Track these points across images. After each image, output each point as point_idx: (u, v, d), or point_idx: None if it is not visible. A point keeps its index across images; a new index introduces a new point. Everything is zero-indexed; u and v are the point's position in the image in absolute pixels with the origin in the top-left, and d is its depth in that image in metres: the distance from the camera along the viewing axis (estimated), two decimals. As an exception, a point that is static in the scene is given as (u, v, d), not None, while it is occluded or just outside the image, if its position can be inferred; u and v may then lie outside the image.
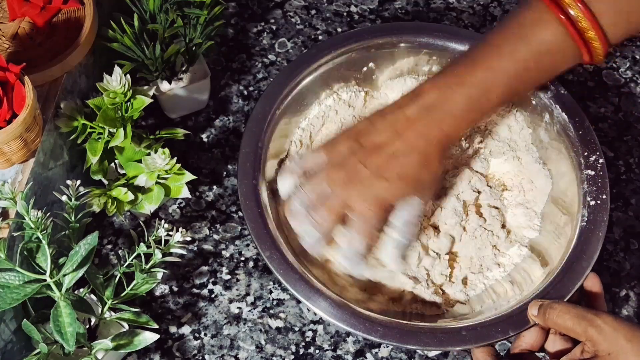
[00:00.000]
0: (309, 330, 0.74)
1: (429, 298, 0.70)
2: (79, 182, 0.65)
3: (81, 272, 0.61)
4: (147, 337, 0.66)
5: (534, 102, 0.76)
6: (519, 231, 0.74)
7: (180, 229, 0.66)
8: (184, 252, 0.67)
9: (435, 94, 0.65)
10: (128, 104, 0.70)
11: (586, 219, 0.68)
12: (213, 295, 0.76)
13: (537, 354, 0.63)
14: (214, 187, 0.82)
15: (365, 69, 0.80)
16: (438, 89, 0.65)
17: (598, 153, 0.71)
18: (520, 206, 0.75)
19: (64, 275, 0.61)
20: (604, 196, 0.69)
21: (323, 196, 0.64)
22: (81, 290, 0.68)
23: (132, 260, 0.66)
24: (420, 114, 0.65)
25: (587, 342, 0.56)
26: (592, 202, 0.68)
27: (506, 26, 0.66)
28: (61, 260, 0.62)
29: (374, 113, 0.68)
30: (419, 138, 0.64)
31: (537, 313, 0.61)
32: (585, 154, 0.71)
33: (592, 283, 0.64)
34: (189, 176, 0.73)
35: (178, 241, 0.65)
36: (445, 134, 0.65)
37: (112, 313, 0.68)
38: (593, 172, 0.70)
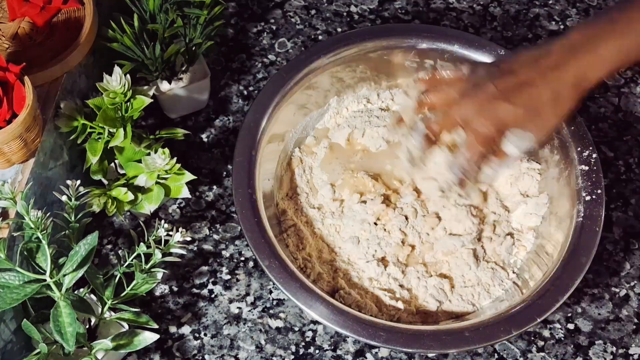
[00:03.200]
0: (309, 330, 0.74)
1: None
2: (79, 182, 0.65)
3: (81, 272, 0.61)
4: (147, 337, 0.66)
5: None
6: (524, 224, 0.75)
7: (180, 229, 0.66)
8: (183, 252, 0.67)
9: (582, 34, 0.64)
10: (128, 104, 0.70)
11: (582, 214, 0.68)
12: (213, 295, 0.76)
13: None
14: (214, 187, 0.82)
15: (359, 70, 0.80)
16: (587, 31, 0.64)
17: (591, 148, 0.71)
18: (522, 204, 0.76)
19: (64, 275, 0.61)
20: (599, 191, 0.69)
21: (447, 102, 0.66)
22: (81, 290, 0.68)
23: (132, 260, 0.66)
24: (563, 51, 0.64)
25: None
26: (587, 198, 0.69)
27: None
28: (61, 260, 0.62)
29: (520, 50, 0.68)
30: (556, 75, 0.64)
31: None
32: (579, 149, 0.71)
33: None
34: (188, 176, 0.73)
35: (178, 241, 0.65)
36: (585, 77, 0.64)
37: (112, 313, 0.68)
38: (587, 168, 0.70)
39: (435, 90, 0.68)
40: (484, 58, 0.78)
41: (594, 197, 0.68)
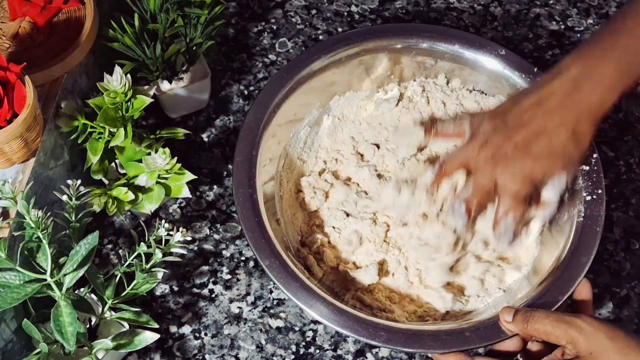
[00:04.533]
0: (309, 330, 0.74)
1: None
2: (79, 181, 0.65)
3: (81, 272, 0.61)
4: (148, 337, 0.66)
5: None
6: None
7: (181, 229, 0.66)
8: (184, 251, 0.67)
9: (581, 66, 0.64)
10: (128, 103, 0.70)
11: (583, 214, 0.68)
12: (213, 295, 0.76)
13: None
14: (215, 186, 0.82)
15: (359, 71, 0.80)
16: (583, 61, 0.64)
17: (592, 148, 0.71)
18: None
19: (65, 275, 0.61)
20: (600, 190, 0.69)
21: (467, 167, 0.65)
22: (81, 289, 0.68)
23: (132, 260, 0.66)
24: (567, 88, 0.63)
25: (568, 344, 0.56)
26: (588, 197, 0.69)
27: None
28: (61, 260, 0.62)
29: (518, 92, 0.68)
30: (567, 113, 0.63)
31: (511, 319, 0.60)
32: None
33: (583, 291, 0.64)
34: (189, 176, 0.73)
35: (178, 241, 0.65)
36: (596, 106, 0.63)
37: (113, 313, 0.68)
38: (587, 167, 0.70)
39: (452, 159, 0.67)
40: (485, 58, 0.78)
41: (594, 197, 0.68)
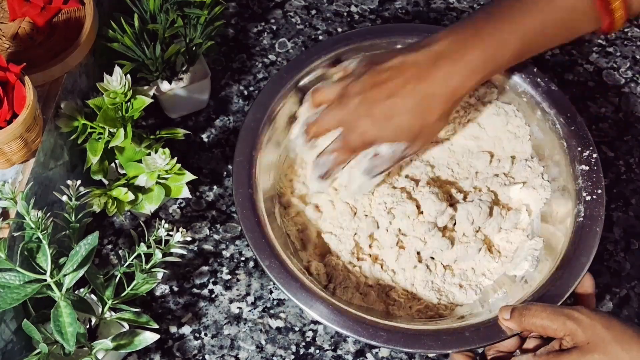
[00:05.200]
0: (309, 330, 0.74)
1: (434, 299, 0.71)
2: (79, 182, 0.65)
3: (81, 272, 0.61)
4: (148, 337, 0.66)
5: (525, 100, 0.76)
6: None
7: (181, 229, 0.66)
8: (184, 252, 0.67)
9: (448, 43, 0.64)
10: (128, 104, 0.70)
11: (582, 215, 0.68)
12: (213, 295, 0.76)
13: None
14: (214, 187, 0.82)
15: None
16: (453, 38, 0.65)
17: (592, 148, 0.71)
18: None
19: (64, 275, 0.61)
20: (600, 191, 0.69)
21: (327, 102, 0.69)
22: (81, 290, 0.68)
23: (132, 260, 0.66)
24: (428, 62, 0.64)
25: (566, 336, 0.57)
26: (588, 198, 0.69)
27: None
28: (61, 260, 0.62)
29: (396, 49, 0.70)
30: (420, 86, 0.64)
31: (509, 317, 0.61)
32: (579, 149, 0.71)
33: (586, 284, 0.64)
34: (189, 176, 0.73)
35: (178, 241, 0.65)
36: (452, 89, 0.64)
37: (113, 313, 0.68)
38: (587, 167, 0.70)
39: (321, 89, 0.70)
40: None
41: (594, 197, 0.68)
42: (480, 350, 0.65)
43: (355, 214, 0.74)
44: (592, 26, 0.65)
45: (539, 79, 0.75)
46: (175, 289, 0.76)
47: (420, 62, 0.65)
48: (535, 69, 0.76)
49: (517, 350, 0.63)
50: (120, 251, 0.78)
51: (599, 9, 0.63)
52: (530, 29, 0.64)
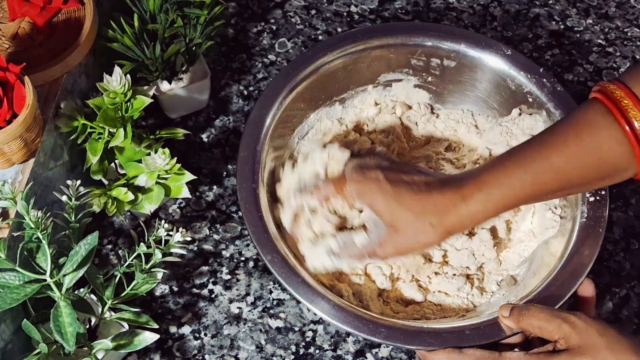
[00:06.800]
0: (309, 330, 0.74)
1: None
2: (79, 182, 0.65)
3: (81, 272, 0.61)
4: (147, 337, 0.66)
5: (530, 100, 0.76)
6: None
7: (180, 229, 0.66)
8: (184, 252, 0.67)
9: (461, 197, 0.61)
10: (128, 104, 0.70)
11: (586, 216, 0.68)
12: (213, 295, 0.76)
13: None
14: (214, 187, 0.82)
15: (365, 69, 0.80)
16: (465, 193, 0.61)
17: None
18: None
19: (64, 275, 0.61)
20: (603, 192, 0.69)
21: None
22: (81, 290, 0.68)
23: (132, 260, 0.66)
24: (438, 207, 0.61)
25: (560, 339, 0.57)
26: (592, 199, 0.69)
27: (557, 125, 0.61)
28: (61, 260, 0.62)
29: (410, 164, 0.71)
30: (429, 209, 0.62)
31: (508, 315, 0.61)
32: None
33: (586, 289, 0.64)
34: (189, 176, 0.73)
35: (178, 241, 0.65)
36: (450, 232, 0.62)
37: (112, 313, 0.68)
38: None
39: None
40: (491, 57, 0.77)
41: (597, 198, 0.68)
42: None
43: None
44: (622, 174, 0.60)
45: (544, 80, 0.75)
46: (175, 289, 0.76)
47: (429, 207, 0.61)
48: (541, 70, 0.76)
49: (516, 348, 0.63)
50: (120, 251, 0.78)
51: (635, 157, 0.57)
52: (544, 170, 0.60)
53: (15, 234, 0.63)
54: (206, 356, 0.73)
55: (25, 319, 0.63)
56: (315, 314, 0.71)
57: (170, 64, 0.79)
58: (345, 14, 0.96)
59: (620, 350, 0.54)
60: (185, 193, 0.73)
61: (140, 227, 0.76)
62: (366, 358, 0.73)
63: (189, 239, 0.67)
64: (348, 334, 0.74)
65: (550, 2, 1.00)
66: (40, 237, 0.59)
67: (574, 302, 0.65)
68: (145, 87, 0.74)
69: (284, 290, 0.76)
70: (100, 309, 0.67)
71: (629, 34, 0.97)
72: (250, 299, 0.76)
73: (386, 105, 0.83)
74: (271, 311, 0.75)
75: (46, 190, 0.70)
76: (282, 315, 0.75)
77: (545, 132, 0.62)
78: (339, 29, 0.95)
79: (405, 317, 0.69)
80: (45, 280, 0.60)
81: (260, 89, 0.89)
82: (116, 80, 0.68)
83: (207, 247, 0.79)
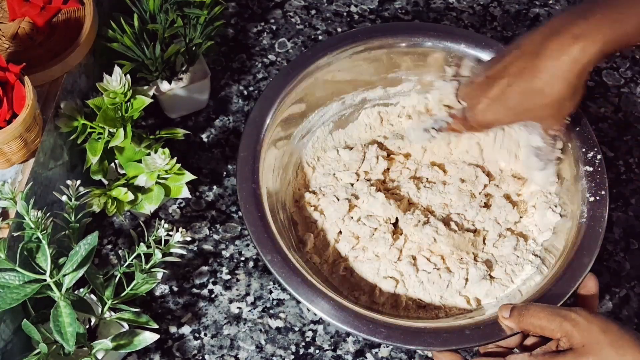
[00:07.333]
0: (309, 330, 0.74)
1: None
2: (79, 182, 0.65)
3: (81, 272, 0.61)
4: (147, 337, 0.66)
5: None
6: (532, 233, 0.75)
7: (180, 229, 0.66)
8: (184, 252, 0.67)
9: (563, 18, 0.63)
10: (128, 104, 0.70)
11: (585, 215, 0.68)
12: (213, 295, 0.76)
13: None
14: (214, 187, 0.82)
15: (365, 68, 0.80)
16: (567, 15, 0.63)
17: (596, 149, 0.71)
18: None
19: (64, 275, 0.61)
20: (603, 192, 0.69)
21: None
22: (81, 290, 0.68)
23: (132, 260, 0.66)
24: (539, 41, 0.64)
25: (563, 337, 0.56)
26: (592, 199, 0.68)
27: None
28: (61, 260, 0.62)
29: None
30: (534, 64, 0.64)
31: (509, 315, 0.61)
32: (583, 150, 0.71)
33: (589, 285, 0.64)
34: (189, 176, 0.73)
35: (178, 241, 0.65)
36: (568, 62, 0.62)
37: (112, 313, 0.68)
38: (591, 169, 0.70)
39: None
40: (490, 57, 0.77)
41: (597, 198, 0.68)
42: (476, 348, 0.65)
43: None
44: None
45: None
46: (175, 289, 0.76)
47: (532, 42, 0.64)
48: None
49: (515, 349, 0.63)
50: (120, 251, 0.78)
51: None
52: None
53: (15, 234, 0.63)
54: (206, 356, 0.73)
55: (25, 319, 0.63)
56: (315, 314, 0.71)
57: (170, 64, 0.79)
58: (345, 14, 0.96)
59: (623, 346, 0.54)
60: (185, 193, 0.73)
61: (140, 227, 0.76)
62: (366, 358, 0.73)
63: (189, 239, 0.67)
64: (348, 334, 0.74)
65: (550, 2, 1.00)
66: (40, 237, 0.59)
67: (574, 302, 0.65)
68: (145, 87, 0.74)
69: (283, 290, 0.76)
70: (100, 309, 0.67)
71: (628, 34, 0.97)
72: (250, 299, 0.76)
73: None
74: (271, 311, 0.75)
75: (46, 190, 0.70)
76: (282, 315, 0.75)
77: None
78: (339, 29, 0.95)
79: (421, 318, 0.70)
80: (45, 280, 0.60)
81: (260, 89, 0.89)
82: (116, 80, 0.68)
83: (207, 247, 0.79)
